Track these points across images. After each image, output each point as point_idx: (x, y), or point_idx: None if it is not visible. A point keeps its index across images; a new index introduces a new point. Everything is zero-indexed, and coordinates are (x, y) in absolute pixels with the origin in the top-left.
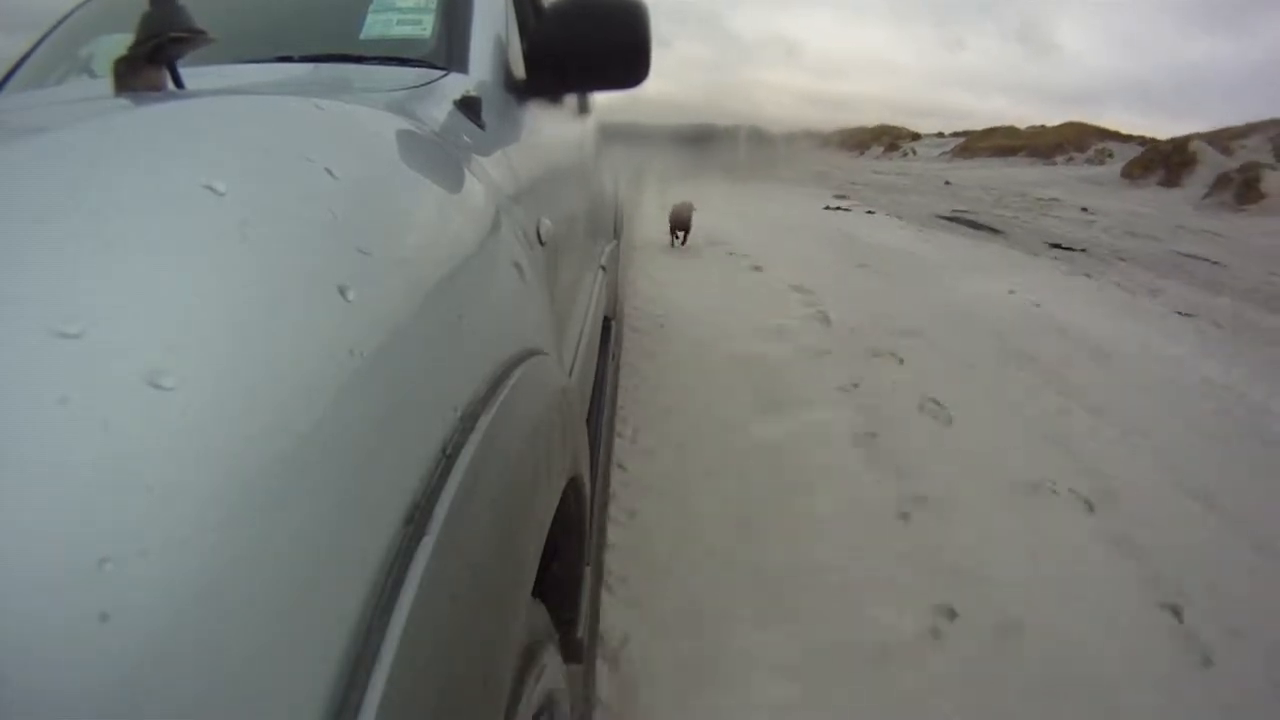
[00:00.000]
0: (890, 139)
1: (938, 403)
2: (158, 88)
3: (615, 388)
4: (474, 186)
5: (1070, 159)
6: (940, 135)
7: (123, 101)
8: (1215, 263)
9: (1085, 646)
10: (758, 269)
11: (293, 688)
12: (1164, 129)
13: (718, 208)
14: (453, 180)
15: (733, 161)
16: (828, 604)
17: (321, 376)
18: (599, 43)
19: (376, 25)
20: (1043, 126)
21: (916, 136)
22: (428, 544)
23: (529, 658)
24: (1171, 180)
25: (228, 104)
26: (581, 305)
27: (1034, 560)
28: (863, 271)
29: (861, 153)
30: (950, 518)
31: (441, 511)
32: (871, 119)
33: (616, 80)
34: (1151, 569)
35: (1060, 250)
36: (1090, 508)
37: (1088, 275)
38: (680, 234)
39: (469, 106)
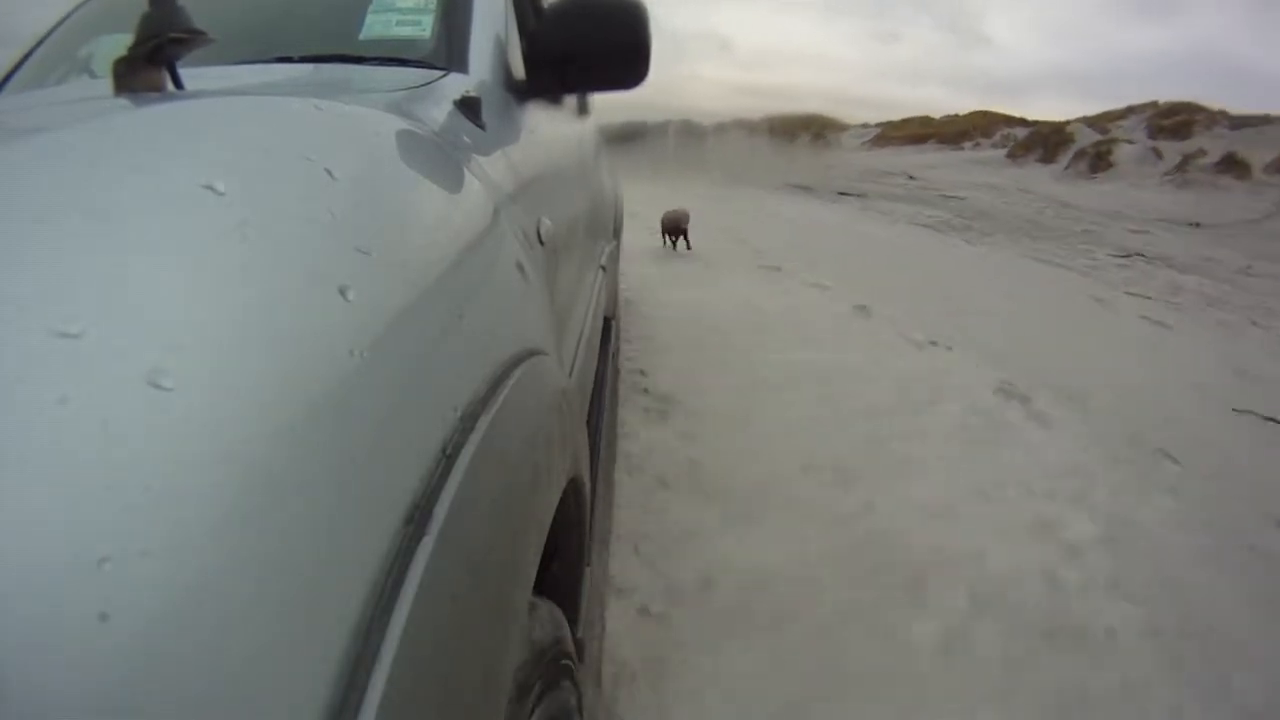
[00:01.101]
0: (817, 129)
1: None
2: (157, 88)
3: (615, 388)
4: (474, 187)
5: (977, 144)
6: (865, 125)
7: (122, 102)
8: (992, 202)
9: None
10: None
11: (293, 688)
12: (1090, 114)
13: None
14: (453, 180)
15: (661, 157)
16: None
17: (321, 376)
18: (599, 43)
19: (376, 25)
20: (956, 115)
21: (844, 127)
22: (428, 544)
23: (546, 661)
24: (1048, 158)
25: (227, 104)
26: (581, 305)
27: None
28: (736, 215)
29: (791, 141)
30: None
31: (441, 511)
32: (807, 110)
33: (616, 80)
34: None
35: (881, 202)
36: (779, 269)
37: (876, 212)
38: (673, 238)
39: (469, 107)
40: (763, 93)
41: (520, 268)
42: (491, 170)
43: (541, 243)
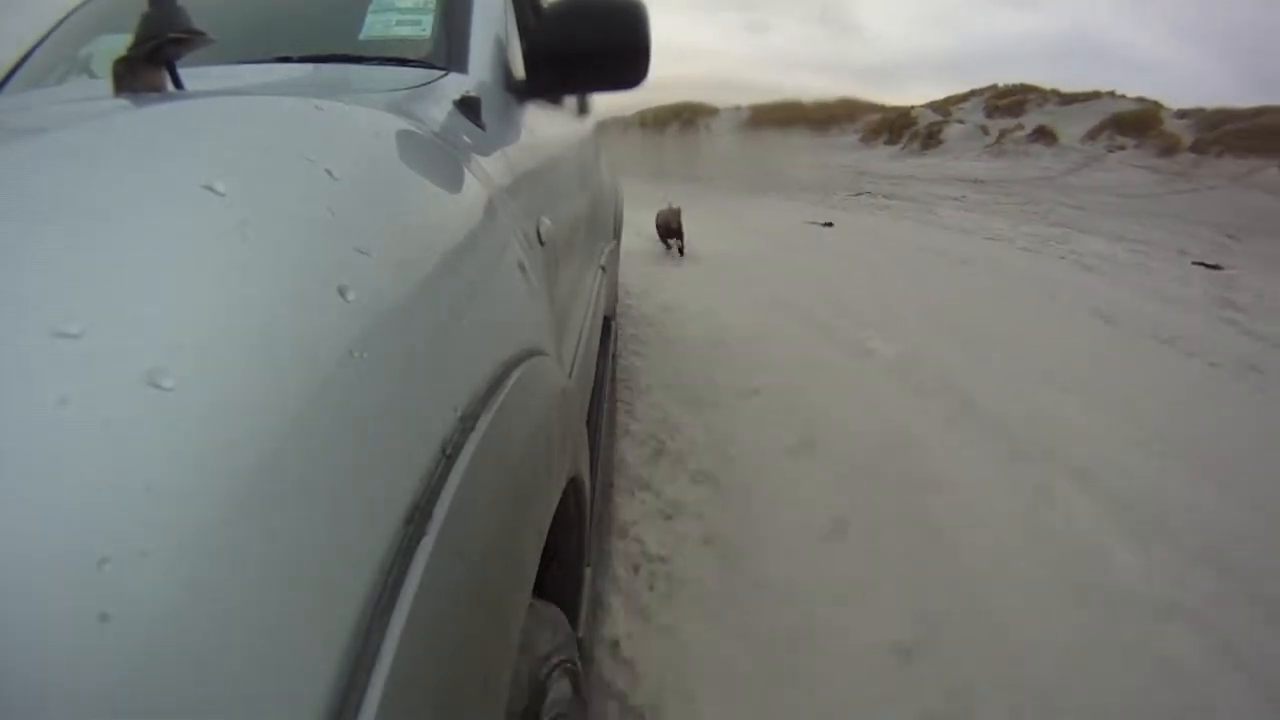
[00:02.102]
0: (688, 115)
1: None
2: (157, 88)
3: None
4: (474, 187)
5: (841, 128)
6: (737, 108)
7: (122, 101)
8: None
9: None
10: None
11: (293, 688)
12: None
13: None
14: (453, 180)
15: None
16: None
17: (321, 377)
18: (599, 43)
19: (376, 25)
20: (825, 101)
21: (715, 111)
22: (427, 544)
23: (548, 661)
24: (893, 140)
25: (227, 104)
26: (581, 305)
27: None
28: None
29: (662, 131)
30: None
31: (441, 511)
32: (680, 98)
33: (616, 81)
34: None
35: (723, 181)
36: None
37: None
38: (673, 241)
39: (469, 107)
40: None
41: (520, 268)
42: (491, 170)
43: (541, 243)
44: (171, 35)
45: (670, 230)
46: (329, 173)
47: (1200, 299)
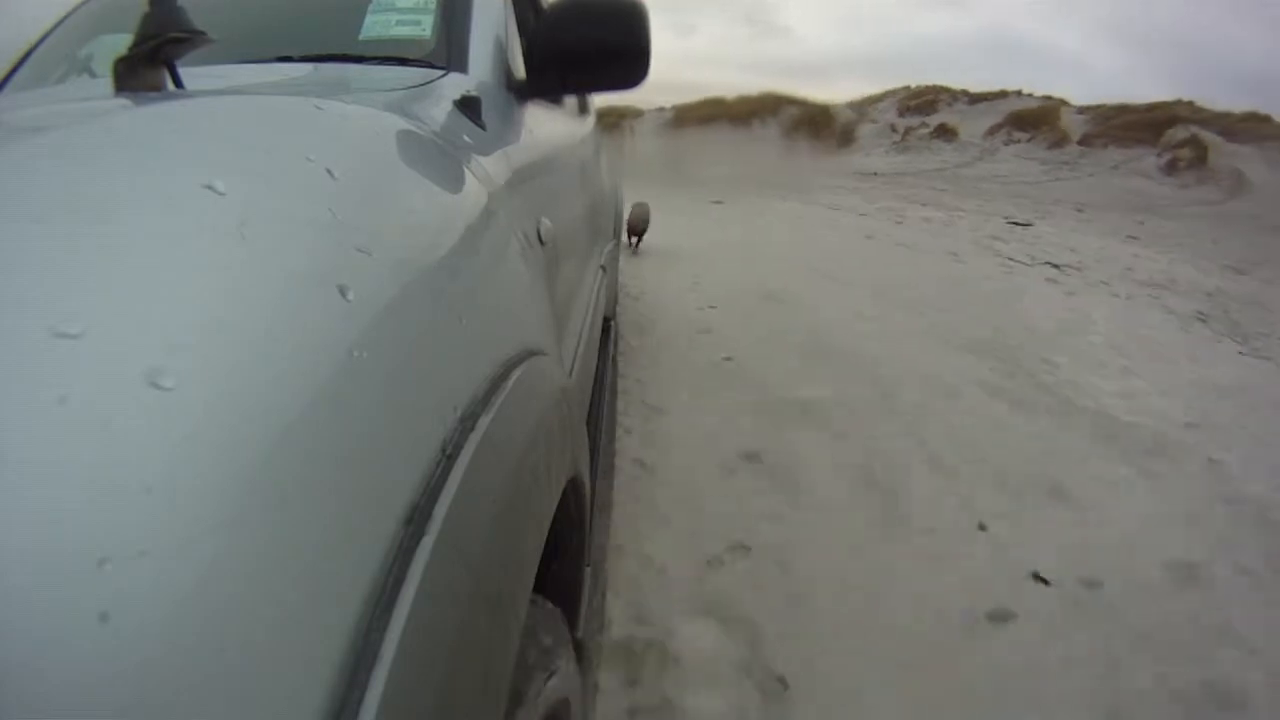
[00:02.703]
0: (614, 118)
1: None
2: (158, 88)
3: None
4: (474, 186)
5: (764, 123)
6: (660, 109)
7: (123, 101)
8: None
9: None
10: None
11: (293, 688)
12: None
13: None
14: (453, 180)
15: None
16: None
17: (321, 376)
18: (599, 43)
19: (376, 25)
20: (747, 97)
21: (640, 113)
22: (427, 544)
23: (542, 660)
24: (813, 135)
25: (228, 104)
26: (581, 305)
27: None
28: None
29: None
30: None
31: (441, 511)
32: (607, 102)
33: (616, 81)
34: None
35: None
36: None
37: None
38: (635, 239)
39: (469, 107)
40: None
41: (520, 268)
42: (491, 170)
43: (541, 243)
44: (171, 35)
45: (637, 228)
46: (329, 172)
47: (983, 239)
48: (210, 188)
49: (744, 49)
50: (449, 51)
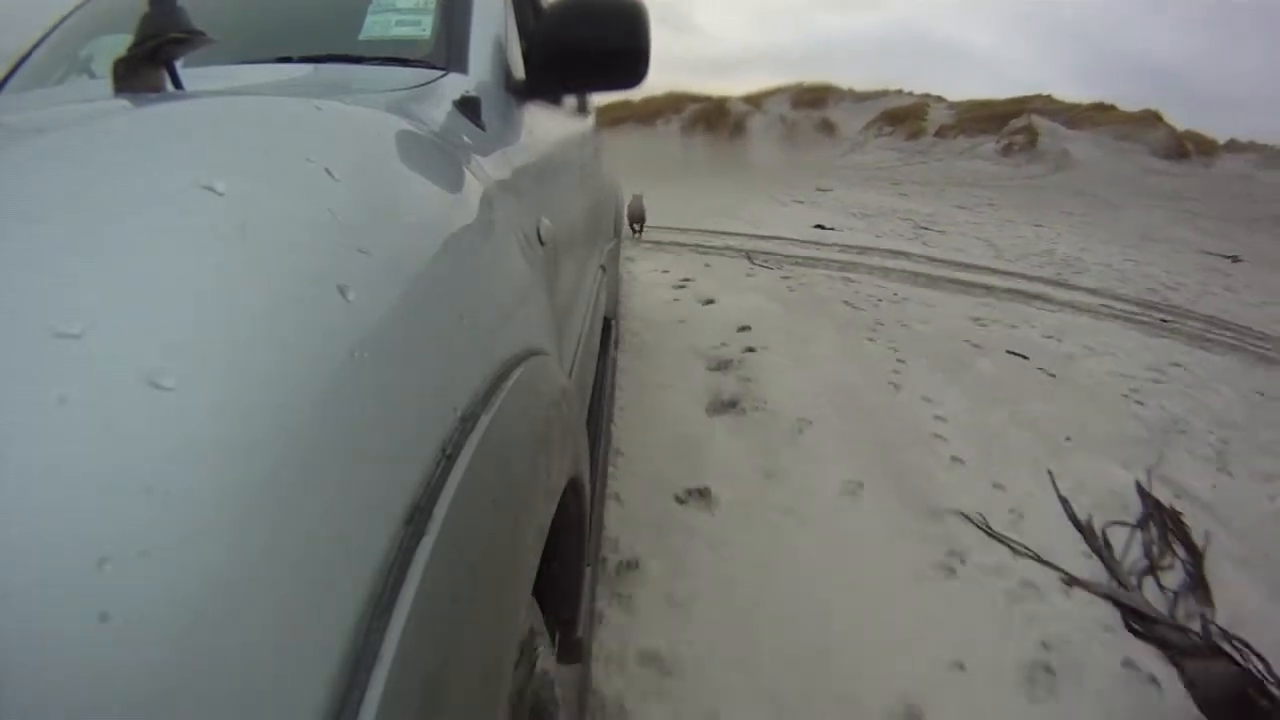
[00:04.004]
0: None
1: None
2: (157, 88)
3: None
4: (474, 187)
5: (668, 121)
6: None
7: (123, 101)
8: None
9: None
10: None
11: (293, 687)
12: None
13: None
14: (453, 180)
15: None
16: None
17: (321, 377)
18: (599, 43)
19: (376, 26)
20: (653, 96)
21: None
22: (427, 544)
23: (523, 656)
24: (709, 129)
25: (227, 104)
26: (581, 305)
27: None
28: None
29: None
30: None
31: (441, 511)
32: None
33: (616, 81)
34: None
35: None
36: None
37: None
38: (636, 226)
39: (468, 107)
40: None
41: (520, 268)
42: (491, 170)
43: (541, 243)
44: (171, 35)
45: (637, 216)
46: (329, 173)
47: (806, 198)
48: (210, 188)
49: (659, 48)
50: (449, 52)
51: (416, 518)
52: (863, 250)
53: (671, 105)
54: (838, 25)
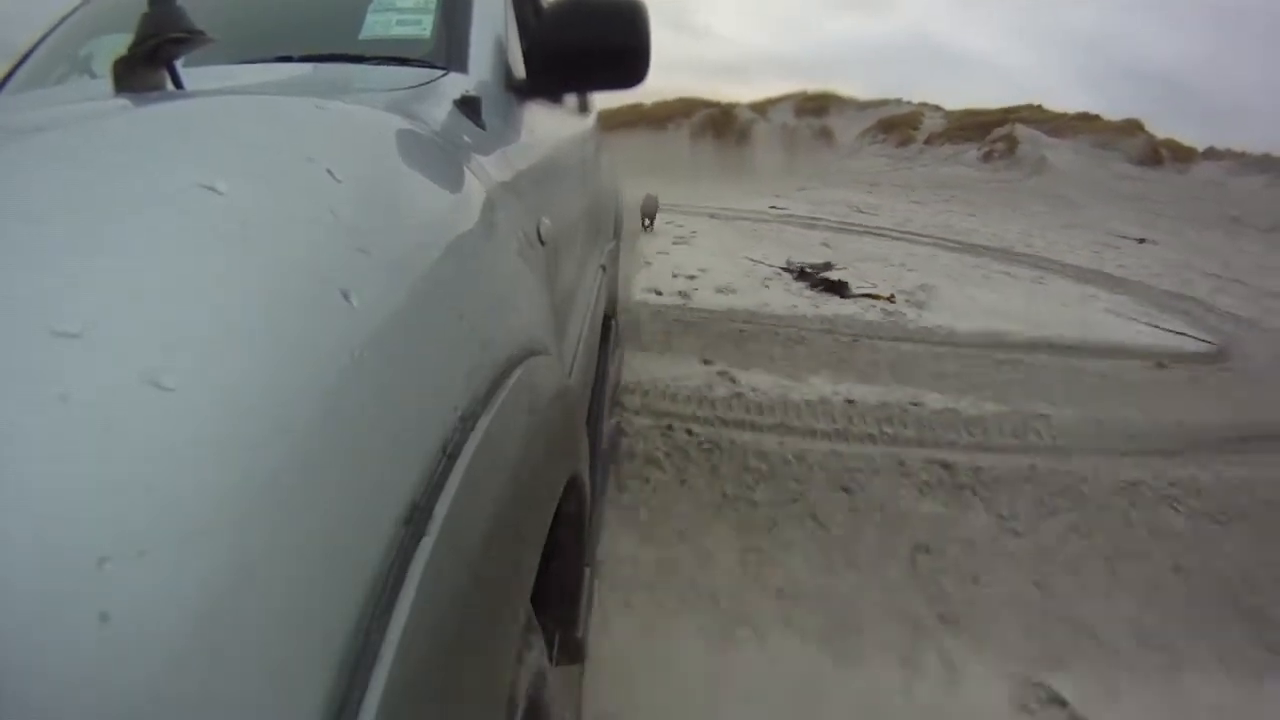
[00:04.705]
0: None
1: None
2: (157, 88)
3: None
4: (474, 186)
5: (679, 125)
6: None
7: (123, 101)
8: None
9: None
10: None
11: (293, 688)
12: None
13: None
14: (453, 180)
15: None
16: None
17: (321, 377)
18: (599, 43)
19: (376, 25)
20: (665, 101)
21: None
22: (427, 544)
23: (523, 656)
24: (718, 135)
25: (227, 104)
26: (581, 305)
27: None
28: None
29: None
30: None
31: (441, 511)
32: None
33: (616, 80)
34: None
35: None
36: None
37: None
38: (647, 220)
39: (469, 106)
40: None
41: (520, 268)
42: (492, 170)
43: (542, 242)
44: (171, 35)
45: (649, 212)
46: (329, 173)
47: (784, 193)
48: (210, 188)
49: (669, 52)
50: (449, 51)
51: (416, 518)
52: (791, 217)
53: (682, 110)
54: (848, 30)
